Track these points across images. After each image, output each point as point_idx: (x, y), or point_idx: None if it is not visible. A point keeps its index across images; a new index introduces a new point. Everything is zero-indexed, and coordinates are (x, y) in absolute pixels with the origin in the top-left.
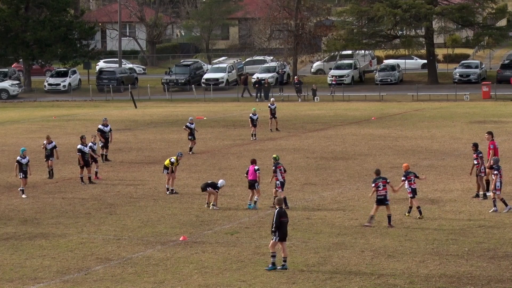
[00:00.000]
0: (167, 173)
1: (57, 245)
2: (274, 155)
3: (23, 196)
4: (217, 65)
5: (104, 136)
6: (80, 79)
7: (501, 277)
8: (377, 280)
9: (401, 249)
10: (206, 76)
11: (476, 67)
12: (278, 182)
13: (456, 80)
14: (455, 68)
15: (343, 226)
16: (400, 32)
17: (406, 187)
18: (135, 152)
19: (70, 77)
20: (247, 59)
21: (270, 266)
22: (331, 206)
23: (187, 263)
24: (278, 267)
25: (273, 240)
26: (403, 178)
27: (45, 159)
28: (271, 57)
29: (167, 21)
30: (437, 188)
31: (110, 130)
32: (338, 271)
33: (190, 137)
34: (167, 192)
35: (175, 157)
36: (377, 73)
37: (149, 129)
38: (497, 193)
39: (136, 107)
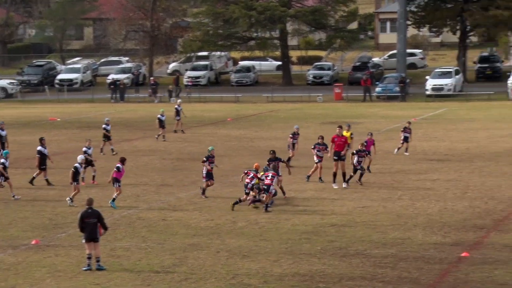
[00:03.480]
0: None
1: None
2: (210, 147)
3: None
4: (71, 66)
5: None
6: None
7: (352, 274)
8: (232, 280)
9: (256, 249)
10: (60, 76)
11: (329, 69)
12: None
13: (309, 82)
14: (309, 70)
15: (199, 227)
16: (255, 34)
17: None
18: None
19: None
20: (102, 60)
21: (86, 267)
22: (187, 207)
23: (39, 267)
24: (95, 267)
25: (83, 241)
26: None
27: None
28: (127, 58)
29: (19, 21)
30: (291, 188)
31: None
32: (194, 272)
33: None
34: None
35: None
36: (232, 75)
37: None
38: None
39: None
